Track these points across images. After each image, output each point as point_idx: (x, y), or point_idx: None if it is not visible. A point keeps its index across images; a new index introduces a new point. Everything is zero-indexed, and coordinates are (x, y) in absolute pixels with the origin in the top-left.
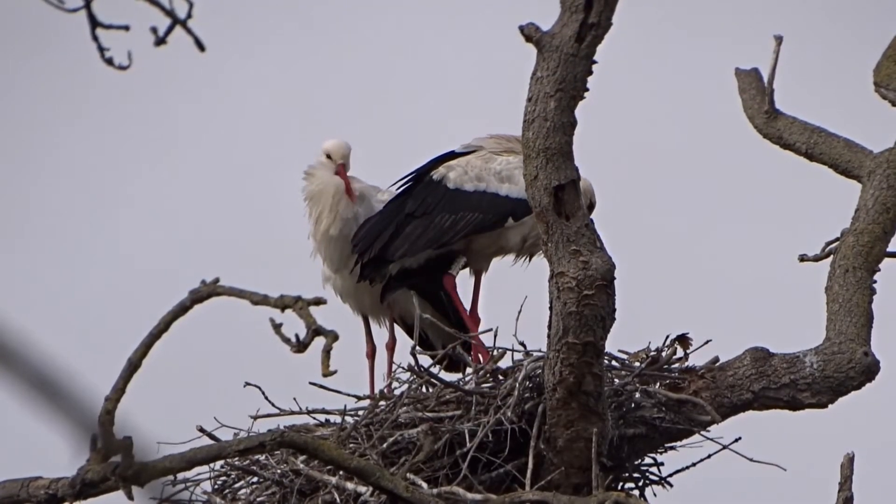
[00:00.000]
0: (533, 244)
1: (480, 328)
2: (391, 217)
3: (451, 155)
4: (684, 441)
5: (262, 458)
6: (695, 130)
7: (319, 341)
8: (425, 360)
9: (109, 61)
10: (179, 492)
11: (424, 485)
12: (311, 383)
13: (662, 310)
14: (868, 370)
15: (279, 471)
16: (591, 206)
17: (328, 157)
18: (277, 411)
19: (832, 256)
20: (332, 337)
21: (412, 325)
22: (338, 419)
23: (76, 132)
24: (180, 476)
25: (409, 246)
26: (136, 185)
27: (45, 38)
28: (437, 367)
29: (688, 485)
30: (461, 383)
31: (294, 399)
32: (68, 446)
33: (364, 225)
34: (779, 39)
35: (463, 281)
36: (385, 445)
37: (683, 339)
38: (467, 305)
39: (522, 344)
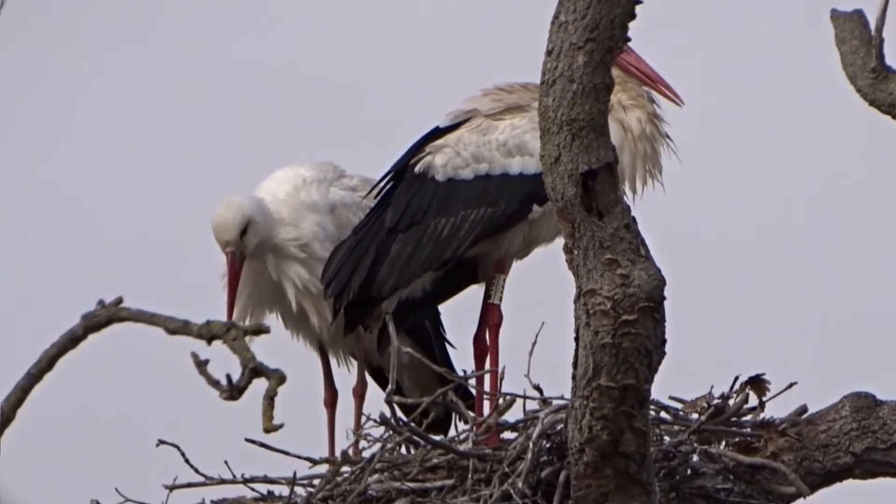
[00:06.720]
0: None
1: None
2: (368, 238)
3: (436, 133)
4: None
5: None
6: (776, 96)
7: (260, 384)
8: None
9: None
10: None
11: None
12: (247, 440)
13: (729, 342)
14: None
15: None
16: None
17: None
18: (202, 479)
19: None
20: (278, 378)
21: (386, 366)
22: (285, 490)
23: None
24: None
25: (398, 274)
26: (8, 168)
27: None
28: (421, 421)
29: None
30: (454, 443)
31: (225, 463)
32: None
33: (333, 254)
34: None
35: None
36: None
37: (758, 383)
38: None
39: (538, 388)
